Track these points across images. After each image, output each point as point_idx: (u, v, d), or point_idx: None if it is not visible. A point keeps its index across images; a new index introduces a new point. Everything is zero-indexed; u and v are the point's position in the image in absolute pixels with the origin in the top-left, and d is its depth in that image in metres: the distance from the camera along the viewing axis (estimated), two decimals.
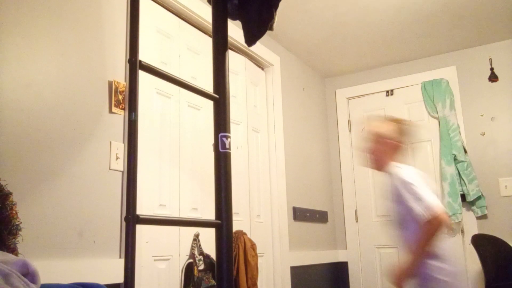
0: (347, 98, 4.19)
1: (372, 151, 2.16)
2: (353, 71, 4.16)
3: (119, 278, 1.85)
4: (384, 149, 2.12)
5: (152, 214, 2.13)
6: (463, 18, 3.25)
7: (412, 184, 1.97)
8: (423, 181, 2.01)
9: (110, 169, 1.94)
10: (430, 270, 1.94)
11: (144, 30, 2.25)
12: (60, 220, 1.70)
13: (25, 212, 1.56)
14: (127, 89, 2.05)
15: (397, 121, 2.21)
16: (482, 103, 3.61)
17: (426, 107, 3.79)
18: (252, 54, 3.15)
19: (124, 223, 1.93)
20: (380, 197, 2.20)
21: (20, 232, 1.22)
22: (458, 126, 3.61)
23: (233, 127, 2.88)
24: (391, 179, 2.06)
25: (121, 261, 1.89)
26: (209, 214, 2.51)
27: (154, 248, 2.14)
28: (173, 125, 2.39)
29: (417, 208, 1.90)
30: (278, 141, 3.30)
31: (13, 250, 1.19)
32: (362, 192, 3.98)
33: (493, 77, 3.59)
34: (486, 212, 3.45)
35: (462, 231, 3.54)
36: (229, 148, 1.06)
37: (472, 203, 3.47)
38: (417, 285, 1.96)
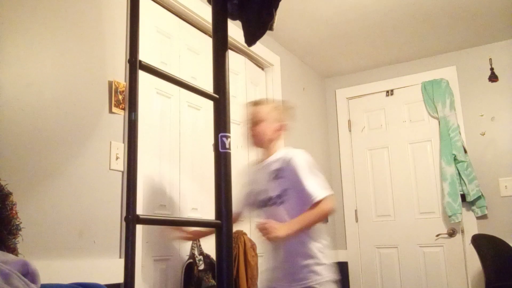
0: (347, 98, 4.19)
1: (253, 132, 2.15)
2: (353, 71, 4.16)
3: (119, 278, 1.85)
4: (265, 130, 2.11)
5: (152, 214, 2.13)
6: (463, 18, 3.25)
7: (309, 162, 2.05)
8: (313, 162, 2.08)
9: (110, 169, 1.94)
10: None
11: (144, 30, 2.25)
12: (60, 220, 1.70)
13: (25, 212, 1.55)
14: (127, 89, 2.05)
15: (276, 103, 2.22)
16: (482, 103, 3.61)
17: (426, 107, 3.79)
18: (252, 54, 3.15)
19: (124, 223, 1.93)
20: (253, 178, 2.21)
21: (20, 232, 1.22)
22: (458, 126, 3.61)
23: (233, 127, 2.87)
24: (279, 158, 2.09)
25: (121, 261, 1.89)
26: (209, 214, 2.51)
27: (154, 248, 2.14)
28: (173, 125, 2.39)
29: (313, 185, 1.96)
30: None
31: (13, 250, 1.19)
32: (362, 192, 3.98)
33: (493, 77, 3.59)
34: (486, 212, 3.45)
35: (462, 231, 3.54)
36: (229, 148, 1.06)
37: (472, 203, 3.47)
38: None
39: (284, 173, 2.04)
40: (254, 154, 2.30)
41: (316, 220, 1.99)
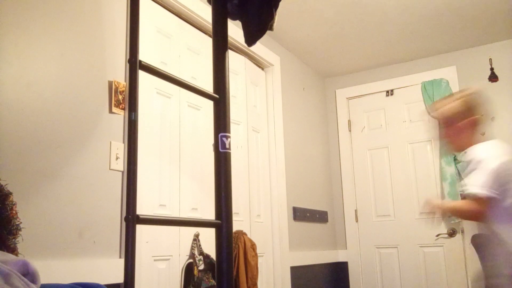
0: (347, 98, 4.19)
1: (447, 135, 1.99)
2: (353, 71, 4.16)
3: (119, 278, 1.85)
4: (458, 130, 1.95)
5: (152, 214, 2.13)
6: (463, 18, 3.25)
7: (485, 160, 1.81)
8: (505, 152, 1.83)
9: (110, 169, 1.94)
10: None
11: (144, 30, 2.25)
12: (60, 220, 1.70)
13: (25, 212, 1.56)
14: (127, 89, 2.05)
15: (462, 95, 2.01)
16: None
17: (426, 107, 3.79)
18: (252, 54, 3.15)
19: (124, 223, 1.93)
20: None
21: (20, 232, 1.22)
22: None
23: (233, 127, 2.88)
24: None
25: (121, 261, 1.89)
26: (209, 214, 2.51)
27: (154, 248, 2.14)
28: (173, 125, 2.39)
29: (469, 184, 1.80)
30: (278, 141, 3.30)
31: (13, 250, 1.19)
32: (362, 192, 3.98)
33: (493, 77, 3.59)
34: None
35: (462, 231, 3.54)
36: (229, 148, 1.06)
37: None
38: None
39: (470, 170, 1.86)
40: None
41: (460, 212, 1.97)
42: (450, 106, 1.98)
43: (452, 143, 2.01)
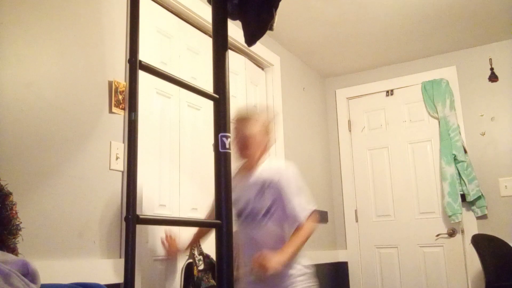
0: (347, 98, 4.19)
1: (247, 154, 2.05)
2: (353, 71, 4.16)
3: (119, 278, 1.85)
4: (254, 150, 2.03)
5: (152, 214, 2.13)
6: (463, 18, 3.25)
7: (294, 181, 1.98)
8: (300, 179, 2.01)
9: (110, 169, 1.94)
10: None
11: (144, 30, 2.25)
12: (60, 220, 1.70)
13: (25, 212, 1.56)
14: (127, 89, 2.05)
15: (268, 121, 2.14)
16: (482, 103, 3.61)
17: (426, 107, 3.79)
18: (252, 54, 3.15)
19: (124, 223, 1.93)
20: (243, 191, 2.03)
21: (20, 232, 1.22)
22: (458, 126, 3.61)
23: (233, 127, 2.87)
24: (266, 174, 2.01)
25: (121, 261, 1.89)
26: None
27: (154, 248, 2.14)
28: (173, 125, 2.39)
29: (298, 205, 1.92)
30: (278, 141, 3.30)
31: (13, 250, 1.19)
32: (362, 192, 3.98)
33: (493, 77, 3.59)
34: (486, 212, 3.45)
35: (462, 231, 3.54)
36: (229, 148, 1.06)
37: (472, 203, 3.47)
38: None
39: (271, 190, 1.97)
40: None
41: (305, 241, 1.92)
42: (260, 129, 2.06)
43: (251, 161, 2.06)
